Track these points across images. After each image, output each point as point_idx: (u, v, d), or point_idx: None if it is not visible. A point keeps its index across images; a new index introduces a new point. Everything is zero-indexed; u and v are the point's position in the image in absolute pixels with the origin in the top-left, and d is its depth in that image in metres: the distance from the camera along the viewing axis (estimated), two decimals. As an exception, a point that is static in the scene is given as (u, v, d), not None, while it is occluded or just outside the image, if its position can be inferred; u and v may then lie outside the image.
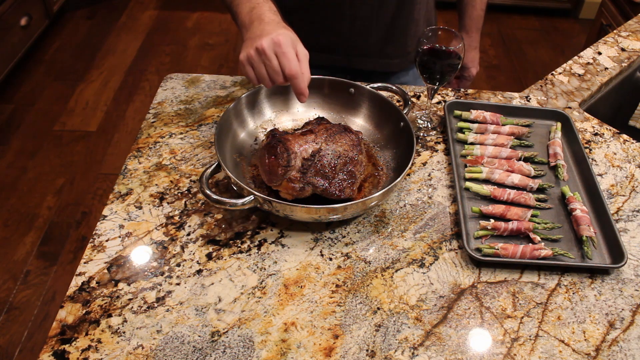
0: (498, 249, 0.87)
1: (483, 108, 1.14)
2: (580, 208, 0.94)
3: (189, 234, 0.89)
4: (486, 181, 1.01)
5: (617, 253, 0.88)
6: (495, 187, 0.99)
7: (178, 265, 0.85)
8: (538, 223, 0.93)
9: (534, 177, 1.02)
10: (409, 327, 0.79)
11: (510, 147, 1.07)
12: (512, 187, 0.99)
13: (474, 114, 1.12)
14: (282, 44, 0.83)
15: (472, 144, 1.08)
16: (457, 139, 1.09)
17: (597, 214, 0.95)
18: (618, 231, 0.90)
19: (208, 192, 0.84)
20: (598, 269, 0.88)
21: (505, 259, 0.87)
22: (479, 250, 0.88)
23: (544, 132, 1.13)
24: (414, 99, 1.17)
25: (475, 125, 1.11)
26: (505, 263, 0.87)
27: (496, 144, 1.07)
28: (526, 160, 1.05)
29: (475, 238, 0.91)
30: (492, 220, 0.92)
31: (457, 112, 1.14)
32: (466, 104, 1.15)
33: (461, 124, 1.11)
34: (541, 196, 0.98)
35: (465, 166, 1.03)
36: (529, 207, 0.96)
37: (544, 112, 1.16)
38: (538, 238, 0.90)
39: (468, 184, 0.99)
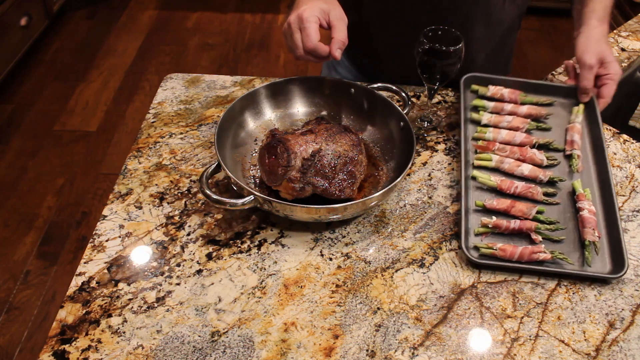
0: (496, 250, 0.86)
1: (503, 83, 1.09)
2: (589, 208, 0.91)
3: (189, 234, 0.89)
4: (495, 170, 0.99)
5: (618, 260, 0.86)
6: (503, 178, 0.96)
7: (178, 265, 0.85)
8: (542, 222, 0.91)
9: (546, 167, 0.99)
10: (409, 327, 0.79)
11: (525, 131, 1.03)
12: (521, 178, 0.97)
13: (492, 90, 1.08)
14: (304, 19, 0.89)
15: (485, 125, 1.04)
16: (470, 119, 1.06)
17: (606, 213, 0.92)
18: (623, 236, 0.88)
19: (208, 192, 0.84)
20: (595, 278, 0.85)
21: (501, 263, 0.86)
22: (477, 249, 0.88)
23: (564, 114, 1.08)
24: (414, 99, 1.17)
25: (492, 104, 1.06)
26: (503, 267, 0.86)
27: (511, 127, 1.03)
28: (541, 147, 1.01)
29: (476, 235, 0.90)
30: (494, 218, 0.91)
31: (475, 87, 1.09)
32: (485, 78, 1.10)
33: (476, 102, 1.07)
34: (550, 190, 0.96)
35: (476, 152, 1.01)
36: (535, 201, 0.94)
37: (568, 90, 1.09)
38: (539, 238, 0.89)
39: (475, 172, 0.97)
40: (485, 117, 1.05)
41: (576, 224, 0.92)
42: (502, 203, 0.92)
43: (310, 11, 0.90)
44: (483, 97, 1.10)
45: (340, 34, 0.92)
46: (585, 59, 1.05)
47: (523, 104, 1.08)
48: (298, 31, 0.91)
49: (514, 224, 0.90)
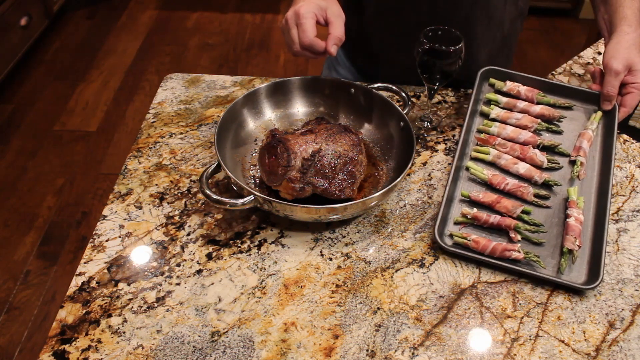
0: (469, 241, 0.86)
1: (522, 80, 1.07)
2: (576, 216, 0.89)
3: (189, 234, 0.89)
4: (491, 164, 0.98)
5: (594, 272, 0.84)
6: (496, 173, 0.95)
7: (178, 265, 0.85)
8: (525, 222, 0.90)
9: (545, 169, 0.97)
10: (409, 327, 0.79)
11: (534, 131, 1.01)
12: (516, 177, 0.96)
13: (509, 85, 1.07)
14: (301, 15, 0.90)
15: (493, 120, 1.03)
16: (480, 111, 1.05)
17: (596, 224, 0.90)
18: (605, 250, 0.86)
19: (208, 192, 0.84)
20: (566, 286, 0.84)
21: (467, 253, 0.85)
22: (452, 236, 0.88)
23: (583, 119, 1.04)
24: (414, 99, 1.17)
25: (505, 99, 1.05)
26: (472, 258, 0.86)
27: (519, 125, 1.02)
28: (546, 149, 1.00)
29: (455, 223, 0.90)
30: (475, 209, 0.90)
31: (492, 81, 1.08)
32: (504, 73, 1.08)
33: (490, 95, 1.06)
34: (543, 192, 0.94)
35: (477, 144, 1.00)
36: (525, 201, 0.93)
37: (590, 95, 1.06)
38: (518, 237, 0.88)
39: (470, 163, 0.96)
40: (495, 112, 1.04)
41: (562, 230, 0.90)
42: (488, 197, 0.92)
43: (307, 7, 0.90)
44: (499, 91, 1.09)
45: (337, 30, 0.92)
46: (611, 64, 1.01)
47: (539, 103, 1.06)
48: (295, 27, 0.91)
49: (494, 218, 0.89)
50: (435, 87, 1.04)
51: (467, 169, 0.97)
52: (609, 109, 1.04)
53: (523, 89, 1.07)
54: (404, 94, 1.04)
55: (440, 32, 0.99)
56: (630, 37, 1.03)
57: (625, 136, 1.13)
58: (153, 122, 1.09)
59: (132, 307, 0.79)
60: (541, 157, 0.98)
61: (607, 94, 1.03)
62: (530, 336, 0.79)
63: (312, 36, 0.90)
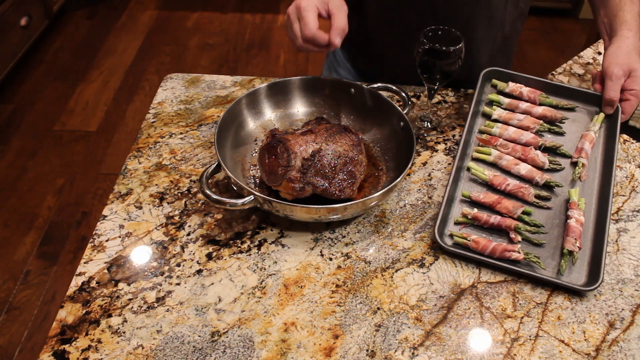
0: (469, 241, 0.86)
1: (525, 82, 1.07)
2: (577, 218, 0.89)
3: (189, 234, 0.89)
4: (493, 165, 0.98)
5: (594, 274, 0.84)
6: (497, 174, 0.96)
7: (178, 265, 0.85)
8: (525, 222, 0.90)
9: (547, 170, 0.97)
10: (409, 327, 0.79)
11: (536, 132, 1.01)
12: (517, 177, 0.96)
13: (511, 86, 1.07)
14: (302, 8, 0.90)
15: (495, 120, 1.03)
16: (482, 112, 1.05)
17: (597, 226, 0.90)
18: (606, 251, 0.86)
19: (208, 192, 0.84)
20: (565, 287, 0.84)
21: (467, 253, 0.85)
22: (452, 236, 0.88)
23: (585, 121, 1.05)
24: (414, 99, 1.17)
25: (507, 100, 1.05)
26: (471, 258, 0.86)
27: (521, 126, 1.02)
28: (548, 150, 0.99)
29: (455, 223, 0.90)
30: (475, 210, 0.90)
31: (494, 82, 1.09)
32: (506, 74, 1.08)
33: (492, 96, 1.06)
34: (544, 193, 0.94)
35: (478, 145, 1.01)
36: (525, 202, 0.93)
37: (592, 96, 1.06)
38: (518, 238, 0.88)
39: (471, 163, 0.96)
40: (497, 113, 1.04)
41: (562, 231, 0.90)
42: (489, 197, 0.92)
43: (308, 0, 0.90)
44: (501, 92, 1.09)
45: (340, 22, 0.91)
46: (612, 69, 1.01)
47: (542, 104, 1.06)
48: (297, 21, 0.91)
49: (494, 219, 0.89)
50: (435, 87, 1.04)
51: (469, 169, 0.97)
52: (612, 113, 1.05)
53: (525, 90, 1.07)
54: (404, 94, 1.04)
55: (440, 32, 0.99)
56: (630, 41, 1.03)
57: (625, 136, 1.13)
58: (153, 122, 1.09)
59: (132, 307, 0.79)
60: (543, 158, 0.98)
61: (609, 99, 1.03)
62: (530, 336, 0.79)
63: (315, 29, 0.89)
